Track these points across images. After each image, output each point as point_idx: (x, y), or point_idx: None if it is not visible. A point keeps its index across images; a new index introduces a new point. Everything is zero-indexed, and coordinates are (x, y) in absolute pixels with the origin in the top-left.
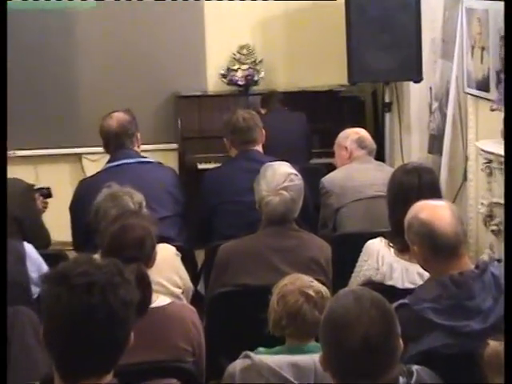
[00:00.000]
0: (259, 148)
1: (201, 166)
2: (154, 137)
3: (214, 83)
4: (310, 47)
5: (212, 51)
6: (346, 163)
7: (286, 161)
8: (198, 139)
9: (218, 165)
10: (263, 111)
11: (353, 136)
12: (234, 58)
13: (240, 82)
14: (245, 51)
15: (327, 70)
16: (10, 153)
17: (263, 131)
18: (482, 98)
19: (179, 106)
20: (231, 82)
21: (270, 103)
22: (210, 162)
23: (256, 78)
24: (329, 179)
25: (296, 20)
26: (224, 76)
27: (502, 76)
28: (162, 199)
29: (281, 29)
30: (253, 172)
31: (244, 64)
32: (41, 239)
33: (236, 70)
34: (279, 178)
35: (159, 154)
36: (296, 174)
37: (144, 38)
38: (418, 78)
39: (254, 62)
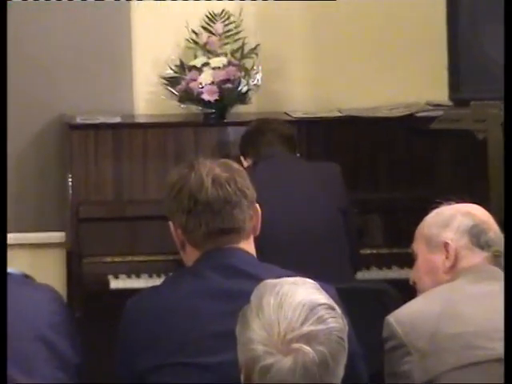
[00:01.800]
0: (248, 246)
1: (116, 285)
2: (14, 218)
3: (148, 97)
4: (363, 25)
5: (144, 26)
6: (444, 281)
7: (310, 277)
8: (111, 222)
9: (157, 282)
10: (245, 162)
11: (460, 221)
12: (195, 42)
13: (207, 96)
14: (219, 27)
15: (401, 72)
16: None
17: (258, 209)
18: None
19: (71, 146)
20: (188, 97)
21: (261, 145)
22: (137, 276)
23: (243, 88)
24: (405, 319)
25: None
26: (172, 82)
27: None
28: (31, 356)
29: None
30: (233, 299)
31: (217, 55)
32: None
33: (199, 69)
34: (293, 314)
35: (27, 256)
36: (331, 307)
37: None
38: None
39: (241, 49)
